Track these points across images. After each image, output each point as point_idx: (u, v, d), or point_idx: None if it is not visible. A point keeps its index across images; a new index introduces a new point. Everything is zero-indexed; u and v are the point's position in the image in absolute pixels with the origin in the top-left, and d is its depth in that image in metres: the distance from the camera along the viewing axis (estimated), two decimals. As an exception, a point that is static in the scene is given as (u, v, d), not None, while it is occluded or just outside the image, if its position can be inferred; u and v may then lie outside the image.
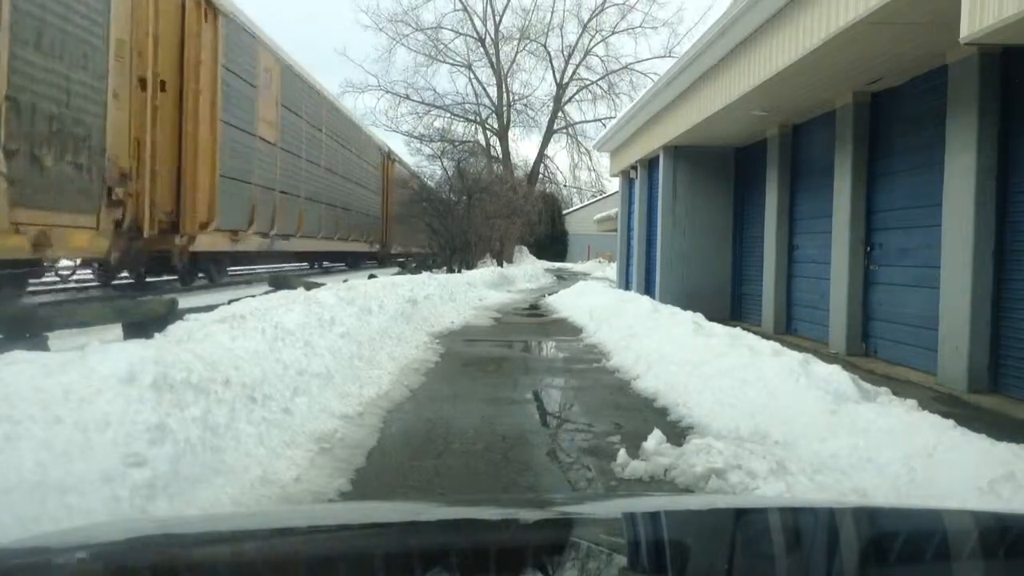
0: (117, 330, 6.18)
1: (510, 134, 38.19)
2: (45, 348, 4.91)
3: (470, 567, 1.17)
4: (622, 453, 4.16)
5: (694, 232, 13.65)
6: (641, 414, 5.52)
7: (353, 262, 23.31)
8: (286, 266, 18.96)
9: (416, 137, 36.68)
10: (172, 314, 6.34)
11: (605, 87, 37.44)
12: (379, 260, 25.07)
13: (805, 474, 3.71)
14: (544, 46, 37.69)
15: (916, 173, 7.89)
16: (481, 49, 37.47)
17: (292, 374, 5.02)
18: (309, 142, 16.43)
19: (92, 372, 3.40)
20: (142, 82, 9.11)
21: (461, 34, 37.47)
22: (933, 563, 1.20)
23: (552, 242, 41.60)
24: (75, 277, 10.22)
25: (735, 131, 11.99)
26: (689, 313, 8.85)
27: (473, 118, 38.19)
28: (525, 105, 38.43)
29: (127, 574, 1.12)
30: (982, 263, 6.50)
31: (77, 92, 7.48)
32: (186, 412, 3.61)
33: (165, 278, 11.89)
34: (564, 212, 45.42)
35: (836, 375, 5.04)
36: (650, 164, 15.87)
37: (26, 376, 3.20)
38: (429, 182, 27.56)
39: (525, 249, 35.35)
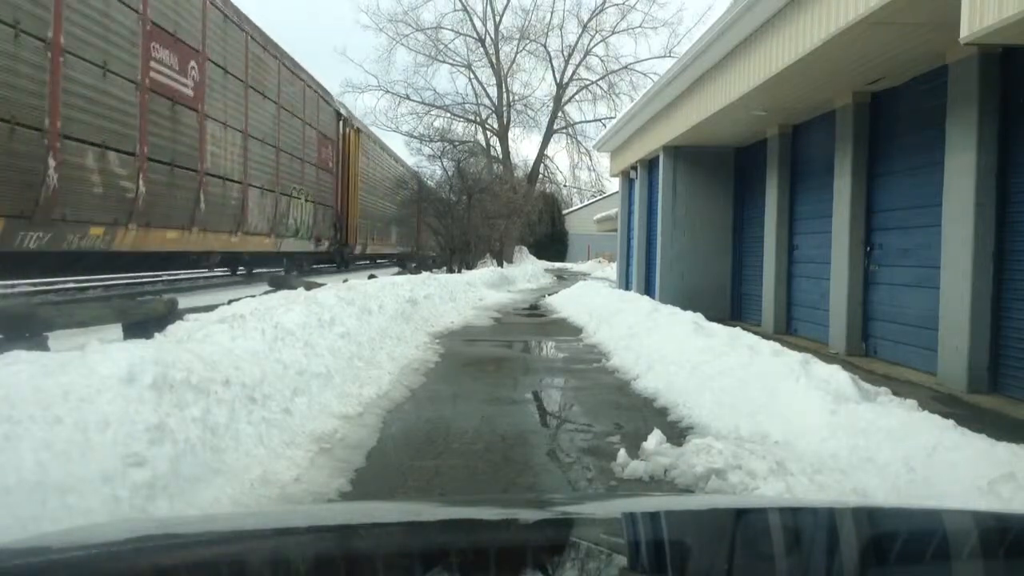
0: (117, 330, 6.18)
1: (510, 134, 38.20)
2: (45, 348, 4.91)
3: (470, 567, 1.17)
4: (622, 453, 4.16)
5: (694, 232, 13.65)
6: (641, 414, 5.52)
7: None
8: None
9: (416, 137, 36.72)
10: (172, 314, 6.35)
11: (605, 87, 37.42)
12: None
13: (805, 474, 3.71)
14: (544, 46, 37.68)
15: (916, 173, 7.90)
16: (481, 49, 37.48)
17: (292, 374, 5.02)
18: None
19: (92, 372, 3.40)
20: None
21: (461, 34, 37.49)
22: (933, 563, 1.20)
23: (552, 242, 41.59)
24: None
25: (735, 131, 11.99)
26: (689, 313, 8.85)
27: (473, 118, 38.21)
28: (525, 105, 38.43)
29: (127, 574, 1.12)
30: (982, 263, 6.50)
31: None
32: (186, 412, 3.61)
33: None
34: (564, 212, 45.41)
35: (836, 375, 5.04)
36: (650, 164, 15.87)
37: (26, 376, 3.20)
38: (429, 182, 27.64)
39: (525, 249, 35.33)
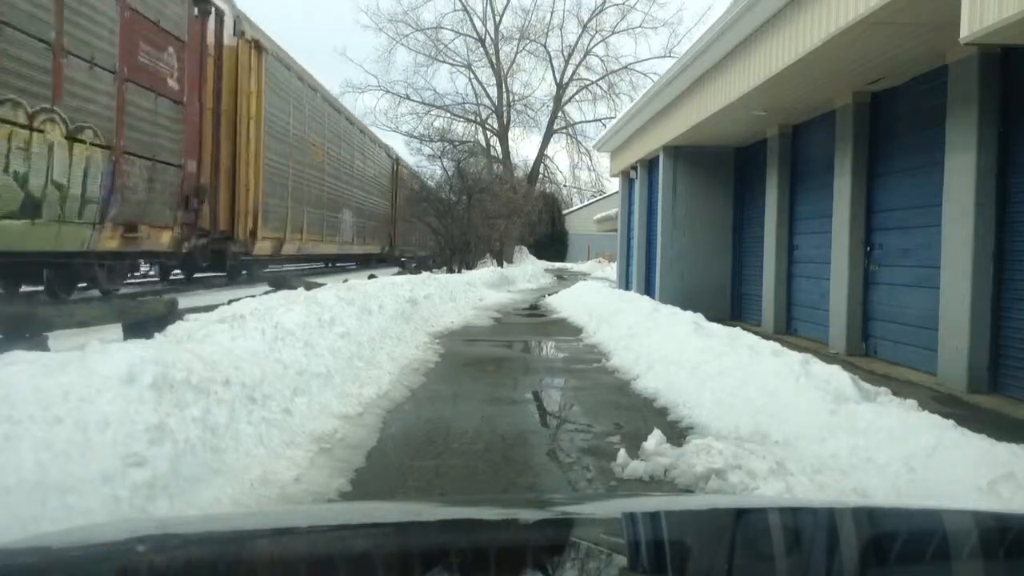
0: (117, 330, 6.18)
1: (510, 134, 38.20)
2: (45, 348, 4.91)
3: (470, 567, 1.17)
4: (622, 453, 4.16)
5: (694, 232, 13.65)
6: (641, 414, 5.52)
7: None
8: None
9: (416, 137, 36.69)
10: (172, 314, 6.34)
11: (605, 87, 37.44)
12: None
13: (805, 474, 3.71)
14: (544, 46, 37.69)
15: (916, 173, 7.90)
16: (481, 49, 37.49)
17: (292, 374, 5.02)
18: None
19: (92, 372, 3.40)
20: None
21: (461, 34, 37.50)
22: (933, 563, 1.20)
23: (552, 242, 41.59)
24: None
25: (735, 131, 11.99)
26: (689, 313, 8.85)
27: (473, 118, 38.21)
28: (525, 105, 38.45)
29: (127, 574, 1.12)
30: (982, 263, 6.50)
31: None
32: (186, 412, 3.61)
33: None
34: (564, 212, 45.43)
35: (836, 375, 5.04)
36: (650, 164, 15.87)
37: (26, 376, 3.20)
38: (429, 182, 27.57)
39: (525, 249, 35.32)
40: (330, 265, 22.20)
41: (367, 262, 24.28)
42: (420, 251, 27.83)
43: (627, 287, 17.31)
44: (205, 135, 11.14)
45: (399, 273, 17.75)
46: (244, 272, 14.12)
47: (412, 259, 27.82)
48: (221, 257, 12.40)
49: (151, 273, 13.26)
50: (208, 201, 11.31)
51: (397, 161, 27.80)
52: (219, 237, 11.88)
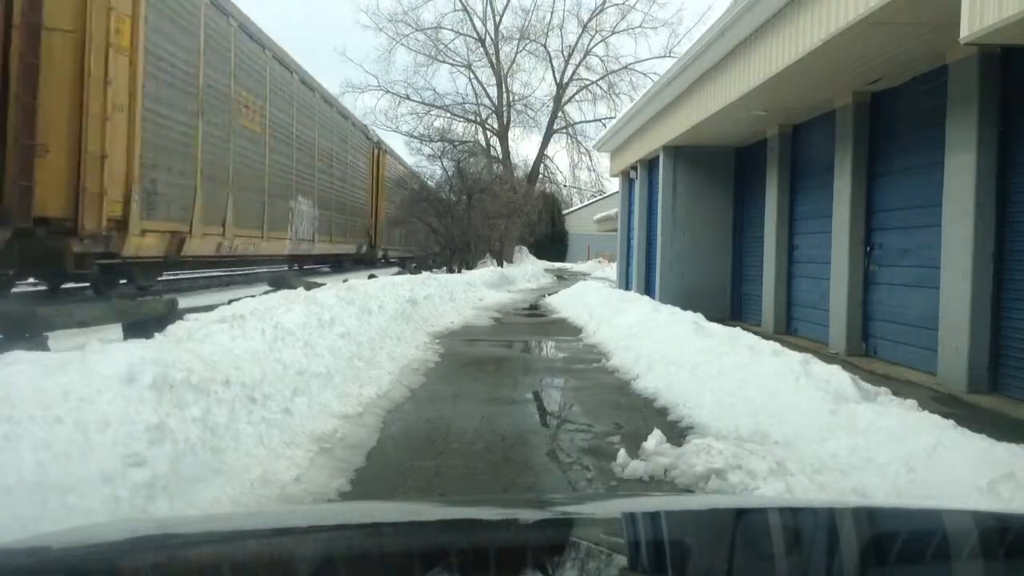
0: (117, 330, 6.19)
1: (510, 134, 38.19)
2: (45, 348, 4.92)
3: (470, 567, 1.17)
4: (622, 453, 4.16)
5: (694, 232, 13.65)
6: (641, 414, 5.52)
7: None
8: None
9: (416, 137, 36.68)
10: (172, 314, 6.35)
11: (605, 87, 37.41)
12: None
13: (805, 474, 3.71)
14: (544, 46, 37.67)
15: (916, 173, 7.89)
16: (481, 49, 37.47)
17: (292, 374, 5.02)
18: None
19: (92, 372, 3.40)
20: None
21: (461, 34, 37.48)
22: (933, 563, 1.20)
23: (552, 242, 41.60)
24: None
25: (735, 131, 11.99)
26: (689, 313, 8.85)
27: (473, 118, 38.19)
28: (525, 105, 38.43)
29: (127, 574, 1.12)
30: (982, 263, 6.50)
31: None
32: (186, 412, 3.61)
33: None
34: (564, 212, 45.43)
35: (836, 375, 5.04)
36: (650, 164, 15.87)
37: (26, 376, 3.20)
38: (429, 182, 27.51)
39: (525, 249, 35.34)
40: (293, 268, 17.83)
41: (340, 264, 20.13)
42: (418, 251, 27.15)
43: (627, 287, 17.31)
44: (9, 62, 6.77)
45: (399, 273, 17.72)
46: (124, 282, 9.53)
47: (412, 259, 27.61)
48: (57, 259, 7.57)
49: None
50: (9, 165, 6.68)
51: (379, 145, 23.83)
52: (54, 229, 7.30)
